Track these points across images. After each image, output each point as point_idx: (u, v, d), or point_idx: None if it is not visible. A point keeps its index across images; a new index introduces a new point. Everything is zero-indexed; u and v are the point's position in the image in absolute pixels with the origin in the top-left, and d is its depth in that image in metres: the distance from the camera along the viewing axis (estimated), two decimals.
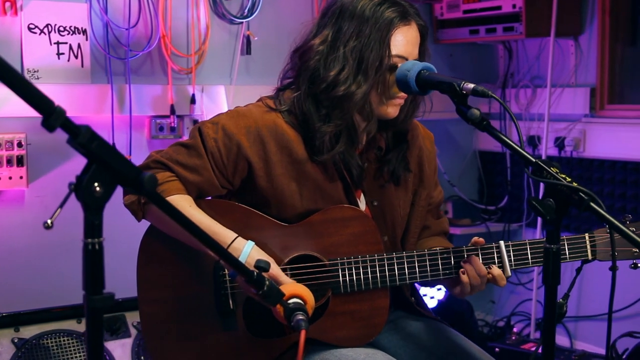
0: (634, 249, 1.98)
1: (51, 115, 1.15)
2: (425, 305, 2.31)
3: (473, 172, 4.67)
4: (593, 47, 3.96)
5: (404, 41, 1.96)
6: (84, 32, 3.38)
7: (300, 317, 1.53)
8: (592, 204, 1.54)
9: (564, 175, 1.59)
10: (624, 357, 3.25)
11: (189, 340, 2.03)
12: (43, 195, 3.35)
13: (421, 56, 2.01)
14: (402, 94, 1.98)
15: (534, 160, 1.63)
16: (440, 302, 3.95)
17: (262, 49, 3.79)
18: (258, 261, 1.59)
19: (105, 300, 1.23)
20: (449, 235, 2.35)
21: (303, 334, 1.50)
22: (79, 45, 3.36)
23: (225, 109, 3.48)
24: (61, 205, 1.22)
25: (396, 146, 2.12)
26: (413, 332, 2.17)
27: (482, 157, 4.63)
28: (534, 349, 3.53)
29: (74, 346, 3.03)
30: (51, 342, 3.01)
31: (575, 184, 1.57)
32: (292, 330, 1.99)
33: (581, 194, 1.55)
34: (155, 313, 2.05)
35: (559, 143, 4.06)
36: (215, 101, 3.68)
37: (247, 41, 3.75)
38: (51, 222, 1.22)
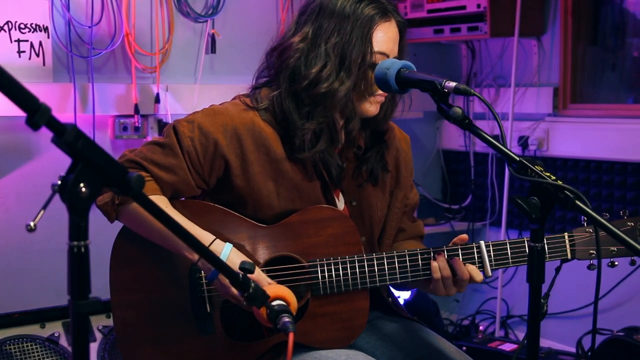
0: (612, 248, 1.99)
1: (35, 113, 1.10)
2: (402, 306, 2.29)
3: (437, 171, 4.68)
4: (556, 47, 3.99)
5: (385, 38, 1.95)
6: (46, 29, 3.30)
7: (287, 319, 1.50)
8: (577, 202, 1.54)
9: (548, 174, 1.58)
10: (589, 354, 3.28)
11: (164, 344, 1.98)
12: (4, 197, 3.26)
13: (400, 53, 2.00)
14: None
15: (517, 158, 1.63)
16: (406, 302, 3.95)
17: (227, 48, 3.75)
18: (243, 263, 1.56)
19: (92, 305, 1.18)
20: None
21: (292, 336, 1.46)
22: (40, 43, 3.28)
23: (190, 109, 3.43)
24: (44, 207, 1.17)
25: (374, 145, 2.10)
26: (390, 332, 2.15)
27: (446, 156, 4.64)
28: (500, 347, 3.53)
29: (37, 352, 2.95)
30: (14, 348, 2.92)
31: (560, 182, 1.56)
32: (270, 333, 1.97)
33: (567, 192, 1.55)
34: (130, 317, 1.99)
35: (523, 142, 4.08)
36: (180, 100, 3.62)
37: (212, 40, 3.70)
38: (34, 225, 1.17)
